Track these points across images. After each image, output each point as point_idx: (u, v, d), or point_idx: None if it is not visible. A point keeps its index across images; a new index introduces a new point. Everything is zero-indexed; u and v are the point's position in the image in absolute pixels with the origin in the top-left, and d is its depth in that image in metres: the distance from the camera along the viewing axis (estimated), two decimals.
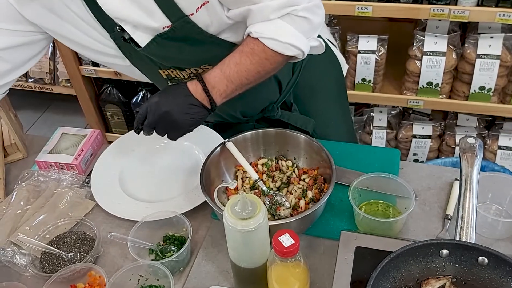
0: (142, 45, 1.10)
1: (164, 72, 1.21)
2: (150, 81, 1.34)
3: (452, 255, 0.90)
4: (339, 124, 1.53)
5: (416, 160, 2.35)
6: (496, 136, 2.19)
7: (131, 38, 1.09)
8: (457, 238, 0.92)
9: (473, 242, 0.90)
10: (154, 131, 1.12)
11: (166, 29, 1.06)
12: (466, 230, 0.92)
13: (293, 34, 1.06)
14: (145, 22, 1.05)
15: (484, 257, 0.88)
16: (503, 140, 2.18)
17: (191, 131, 1.12)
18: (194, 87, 1.08)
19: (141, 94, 2.57)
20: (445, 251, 0.90)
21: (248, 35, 1.09)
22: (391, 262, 0.87)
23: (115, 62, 1.21)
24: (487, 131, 2.24)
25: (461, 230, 0.92)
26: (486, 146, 2.21)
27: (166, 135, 1.12)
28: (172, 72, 1.21)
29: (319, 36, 1.16)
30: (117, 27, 1.08)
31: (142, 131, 1.13)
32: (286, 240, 0.87)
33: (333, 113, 1.51)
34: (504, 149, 2.17)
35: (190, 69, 1.19)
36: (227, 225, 0.90)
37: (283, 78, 1.34)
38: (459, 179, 1.01)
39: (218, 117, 1.41)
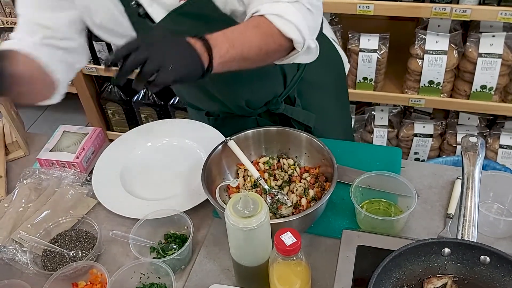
0: (157, 21, 1.10)
1: None
2: None
3: (454, 254, 0.90)
4: (337, 121, 1.53)
5: (417, 159, 2.35)
6: (497, 135, 2.19)
7: (146, 14, 1.10)
8: (459, 237, 0.92)
9: (475, 241, 0.90)
10: (135, 71, 0.91)
11: (182, 2, 1.06)
12: (468, 229, 0.92)
13: (299, 19, 1.04)
14: None
15: (486, 256, 0.88)
16: (505, 139, 2.17)
17: (181, 82, 0.96)
18: (194, 41, 0.95)
19: (142, 92, 2.57)
20: (447, 250, 0.90)
21: (252, 14, 1.05)
22: (393, 261, 0.87)
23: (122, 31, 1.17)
24: (488, 130, 2.24)
25: (463, 228, 0.92)
26: (487, 145, 2.21)
27: (151, 77, 0.90)
28: None
29: (322, 35, 1.16)
30: (133, 2, 1.09)
31: (116, 66, 0.92)
32: (288, 238, 0.87)
33: (332, 110, 1.51)
34: (506, 148, 2.17)
35: None
36: (228, 223, 0.90)
37: (288, 71, 1.34)
38: (460, 178, 1.01)
39: (222, 107, 1.39)
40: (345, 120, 1.59)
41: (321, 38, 1.27)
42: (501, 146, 2.18)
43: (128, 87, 2.61)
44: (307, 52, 1.11)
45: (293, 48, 1.08)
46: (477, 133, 2.23)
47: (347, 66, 1.53)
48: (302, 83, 1.40)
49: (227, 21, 1.11)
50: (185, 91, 1.46)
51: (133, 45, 0.89)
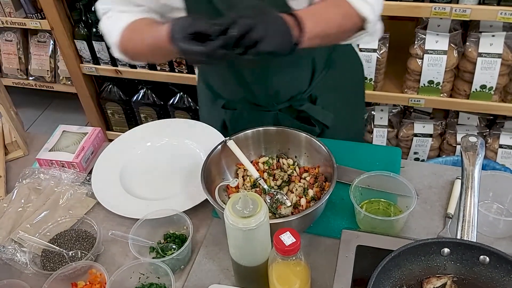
0: None
1: None
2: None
3: (453, 254, 0.90)
4: (350, 124, 1.53)
5: (417, 159, 2.35)
6: (497, 135, 2.19)
7: None
8: (459, 237, 0.92)
9: (475, 240, 0.90)
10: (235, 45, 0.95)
11: None
12: (467, 229, 0.92)
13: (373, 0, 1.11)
14: None
15: (485, 256, 0.88)
16: (504, 139, 2.17)
17: (273, 55, 0.98)
18: (286, 17, 0.99)
19: (141, 92, 2.57)
20: (446, 250, 0.90)
21: None
22: (392, 261, 0.87)
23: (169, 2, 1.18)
24: (488, 130, 2.24)
25: (462, 228, 0.92)
26: (487, 145, 2.20)
27: (256, 44, 0.94)
28: None
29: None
30: None
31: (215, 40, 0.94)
32: (287, 238, 0.87)
33: (347, 113, 1.50)
34: (505, 148, 2.17)
35: None
36: (228, 223, 0.90)
37: (318, 67, 1.33)
38: (460, 177, 1.01)
39: (248, 94, 1.34)
40: (358, 123, 1.59)
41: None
42: (500, 146, 2.18)
43: (127, 87, 2.61)
44: (372, 33, 1.16)
45: (361, 28, 1.14)
46: (477, 133, 2.23)
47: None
48: (323, 83, 1.39)
49: None
50: (215, 74, 1.38)
51: (242, 15, 0.94)
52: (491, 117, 2.29)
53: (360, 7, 1.10)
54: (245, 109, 1.39)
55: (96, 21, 2.34)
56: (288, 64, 1.26)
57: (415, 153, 2.34)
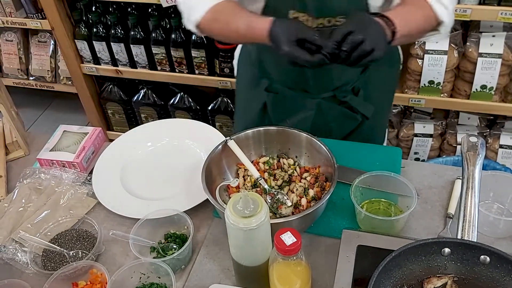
0: None
1: (293, 14, 1.19)
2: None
3: (454, 254, 0.90)
4: (384, 118, 1.54)
5: (417, 159, 2.35)
6: (497, 135, 2.19)
7: None
8: (459, 237, 0.92)
9: (475, 240, 0.90)
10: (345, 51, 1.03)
11: None
12: (468, 229, 0.92)
13: (452, 5, 1.18)
14: None
15: (486, 256, 0.88)
16: (505, 139, 2.17)
17: (376, 60, 1.05)
18: (381, 21, 1.08)
19: (142, 92, 2.57)
20: (447, 250, 0.90)
21: None
22: (393, 261, 0.87)
23: None
24: (488, 130, 2.24)
25: (463, 228, 0.92)
26: (487, 145, 2.20)
27: (369, 52, 1.03)
28: (303, 17, 1.19)
29: None
30: None
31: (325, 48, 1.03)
32: (288, 238, 0.87)
33: (383, 107, 1.52)
34: (506, 148, 2.17)
35: (324, 19, 1.18)
36: (228, 223, 0.90)
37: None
38: (460, 177, 1.01)
39: (298, 77, 1.34)
40: (382, 125, 1.59)
41: None
42: (501, 146, 2.18)
43: (128, 87, 2.61)
44: (443, 34, 1.23)
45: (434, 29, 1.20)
46: (477, 133, 2.23)
47: None
48: (368, 76, 1.40)
49: None
50: (273, 57, 1.35)
51: (350, 28, 1.02)
52: (492, 117, 2.29)
53: (439, 11, 1.16)
54: (288, 93, 1.39)
55: (97, 21, 2.35)
56: None
57: (415, 153, 2.34)
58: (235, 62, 1.59)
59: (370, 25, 1.05)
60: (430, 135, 2.28)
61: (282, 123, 1.38)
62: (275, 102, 1.41)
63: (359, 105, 1.39)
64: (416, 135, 2.29)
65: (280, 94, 1.40)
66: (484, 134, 2.23)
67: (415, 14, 1.16)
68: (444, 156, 2.27)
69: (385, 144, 1.62)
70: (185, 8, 1.27)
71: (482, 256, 0.88)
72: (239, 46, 1.55)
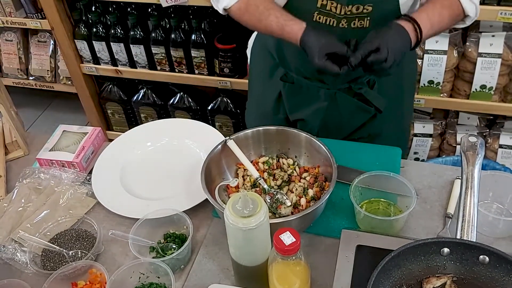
0: None
1: (322, 0, 1.21)
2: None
3: (453, 254, 0.90)
4: (400, 116, 1.54)
5: (417, 159, 2.35)
6: (497, 135, 2.19)
7: None
8: (458, 237, 0.92)
9: (474, 240, 0.90)
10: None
11: None
12: (467, 229, 0.92)
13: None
14: None
15: (485, 256, 0.88)
16: (504, 139, 2.17)
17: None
18: (410, 27, 1.16)
19: (142, 92, 2.57)
20: (446, 250, 0.90)
21: None
22: (392, 260, 0.87)
23: None
24: (488, 130, 2.24)
25: (462, 228, 0.92)
26: (487, 145, 2.20)
27: (387, 66, 1.13)
28: (331, 3, 1.20)
29: None
30: None
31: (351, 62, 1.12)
32: (287, 238, 0.87)
33: (399, 103, 1.52)
34: (505, 148, 2.17)
35: (353, 6, 1.20)
36: (228, 223, 0.91)
37: None
38: (460, 177, 1.01)
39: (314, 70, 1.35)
40: (402, 126, 1.59)
41: None
42: (500, 146, 2.18)
43: (128, 87, 2.61)
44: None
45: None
46: (477, 133, 2.23)
47: None
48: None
49: None
50: (293, 48, 1.36)
51: (375, 45, 1.11)
52: (491, 117, 2.29)
53: (468, 7, 1.22)
54: (303, 83, 1.41)
55: (96, 21, 2.35)
56: None
57: (415, 153, 2.33)
58: (248, 51, 1.59)
59: (395, 44, 1.12)
60: (430, 135, 2.28)
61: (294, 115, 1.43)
62: (290, 92, 1.42)
63: (373, 98, 1.40)
64: (415, 135, 2.28)
65: (296, 84, 1.42)
66: (484, 134, 2.23)
67: (443, 15, 1.20)
68: (443, 156, 2.27)
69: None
70: None
71: (481, 256, 0.89)
72: (253, 35, 1.56)
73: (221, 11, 1.31)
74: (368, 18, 1.22)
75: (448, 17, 1.22)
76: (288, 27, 1.19)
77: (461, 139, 1.04)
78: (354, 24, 1.23)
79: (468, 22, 1.27)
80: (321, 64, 1.12)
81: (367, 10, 1.20)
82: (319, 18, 1.23)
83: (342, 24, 1.23)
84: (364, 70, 1.15)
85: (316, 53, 1.12)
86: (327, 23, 1.24)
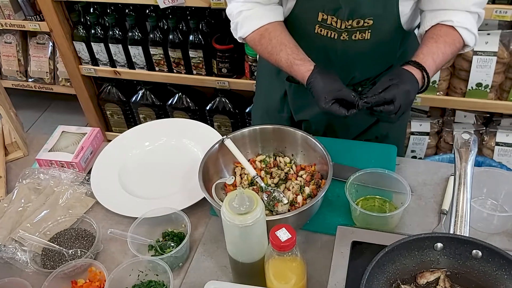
0: None
1: (323, 15, 1.23)
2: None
3: (446, 249, 0.92)
4: (398, 125, 1.55)
5: (414, 157, 2.36)
6: (493, 133, 2.20)
7: None
8: (452, 232, 0.93)
9: (467, 235, 0.92)
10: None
11: None
12: (460, 224, 0.93)
13: (477, 30, 1.23)
14: None
15: (478, 250, 0.90)
16: (501, 137, 2.18)
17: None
18: (419, 75, 1.16)
19: (140, 93, 2.58)
20: (439, 245, 0.91)
21: (438, 24, 1.21)
22: (386, 256, 0.89)
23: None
24: (484, 128, 2.25)
25: (455, 224, 0.94)
26: (483, 143, 2.22)
27: (395, 118, 1.14)
28: (331, 18, 1.22)
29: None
30: None
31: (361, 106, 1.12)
32: (283, 234, 0.89)
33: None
34: (502, 145, 2.18)
35: (353, 21, 1.21)
36: (225, 220, 0.92)
37: (396, 62, 1.38)
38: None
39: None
40: (404, 122, 1.61)
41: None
42: (497, 144, 2.19)
43: (126, 88, 2.63)
44: None
45: None
46: (474, 130, 2.24)
47: None
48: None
49: None
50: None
51: (390, 97, 1.09)
52: (488, 115, 2.30)
53: (468, 39, 1.22)
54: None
55: (95, 22, 2.36)
56: (375, 61, 1.35)
57: (412, 151, 2.35)
58: None
59: (408, 98, 1.11)
60: (427, 133, 2.29)
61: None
62: (295, 92, 1.44)
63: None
64: (412, 133, 2.30)
65: (301, 85, 1.41)
66: (481, 131, 2.24)
67: (446, 54, 1.21)
68: (440, 154, 2.28)
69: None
70: (232, 21, 1.32)
71: (474, 251, 0.90)
72: None
73: (238, 40, 1.34)
74: (369, 30, 1.23)
75: (450, 54, 1.22)
76: (296, 66, 1.20)
77: (454, 135, 1.05)
78: (355, 36, 1.24)
79: (466, 50, 1.27)
80: (327, 108, 1.11)
81: (368, 23, 1.22)
82: (321, 30, 1.26)
83: (343, 37, 1.25)
84: (370, 113, 1.15)
85: (322, 99, 1.12)
86: (329, 35, 1.26)
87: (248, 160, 1.25)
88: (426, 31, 1.25)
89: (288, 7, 1.28)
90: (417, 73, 1.15)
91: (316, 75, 1.15)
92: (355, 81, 1.38)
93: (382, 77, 1.15)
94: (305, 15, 1.26)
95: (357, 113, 1.10)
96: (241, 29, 1.28)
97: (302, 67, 1.19)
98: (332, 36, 1.25)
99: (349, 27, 1.23)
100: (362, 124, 1.46)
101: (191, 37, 2.26)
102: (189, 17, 2.28)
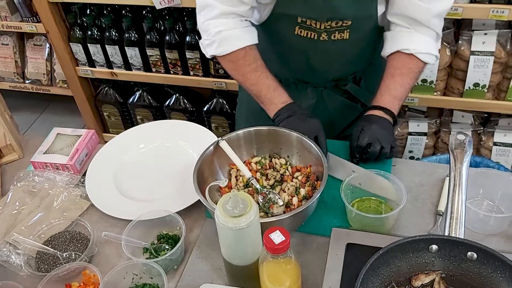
0: None
1: (302, 19, 1.26)
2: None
3: (441, 251, 0.91)
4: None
5: (412, 157, 2.36)
6: (491, 133, 2.20)
7: None
8: (447, 234, 0.93)
9: (462, 237, 0.91)
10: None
11: None
12: (455, 226, 0.93)
13: (437, 49, 1.31)
14: None
15: (473, 252, 0.89)
16: (499, 137, 2.18)
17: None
18: (383, 115, 1.26)
19: (137, 94, 2.58)
20: (434, 247, 0.91)
21: (398, 51, 1.28)
22: (380, 258, 0.88)
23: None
24: (482, 128, 2.25)
25: (450, 225, 0.93)
26: (481, 143, 2.21)
27: (386, 152, 1.24)
28: (310, 21, 1.26)
29: None
30: None
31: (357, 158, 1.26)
32: (277, 237, 0.88)
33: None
34: (500, 145, 2.18)
35: (332, 22, 1.25)
36: (219, 223, 0.91)
37: (375, 59, 1.43)
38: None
39: (305, 73, 1.43)
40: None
41: None
42: (495, 144, 2.18)
43: (123, 89, 2.61)
44: None
45: None
46: (471, 131, 2.23)
47: None
48: (369, 66, 1.48)
49: None
50: (275, 53, 1.45)
51: (365, 143, 1.22)
52: (485, 115, 2.30)
53: (429, 60, 1.30)
54: (291, 84, 1.46)
55: (91, 24, 2.36)
56: (355, 54, 1.38)
57: (409, 151, 2.34)
58: None
59: (381, 134, 1.22)
60: (424, 134, 2.28)
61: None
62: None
63: (359, 94, 1.44)
64: (410, 133, 2.29)
65: (284, 82, 1.45)
66: (478, 132, 2.24)
67: (405, 84, 1.28)
68: (438, 154, 2.28)
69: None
70: (207, 37, 1.33)
71: (469, 253, 0.89)
72: None
73: (208, 56, 1.37)
74: (348, 30, 1.27)
75: (410, 81, 1.28)
76: (268, 100, 1.31)
77: (450, 137, 1.05)
78: (334, 36, 1.28)
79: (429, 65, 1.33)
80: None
81: (346, 24, 1.25)
82: (301, 32, 1.29)
83: (323, 37, 1.28)
84: (365, 162, 1.25)
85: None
86: (309, 36, 1.29)
87: (244, 162, 1.25)
88: (387, 57, 1.32)
89: (265, 14, 1.31)
90: (380, 113, 1.25)
91: (288, 118, 1.26)
92: (336, 77, 1.42)
93: (352, 133, 1.26)
94: (285, 19, 1.29)
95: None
96: (218, 48, 1.32)
97: (272, 105, 1.30)
98: (312, 36, 1.29)
99: (328, 27, 1.26)
100: (345, 118, 1.50)
101: (187, 38, 2.26)
102: (185, 18, 2.28)
